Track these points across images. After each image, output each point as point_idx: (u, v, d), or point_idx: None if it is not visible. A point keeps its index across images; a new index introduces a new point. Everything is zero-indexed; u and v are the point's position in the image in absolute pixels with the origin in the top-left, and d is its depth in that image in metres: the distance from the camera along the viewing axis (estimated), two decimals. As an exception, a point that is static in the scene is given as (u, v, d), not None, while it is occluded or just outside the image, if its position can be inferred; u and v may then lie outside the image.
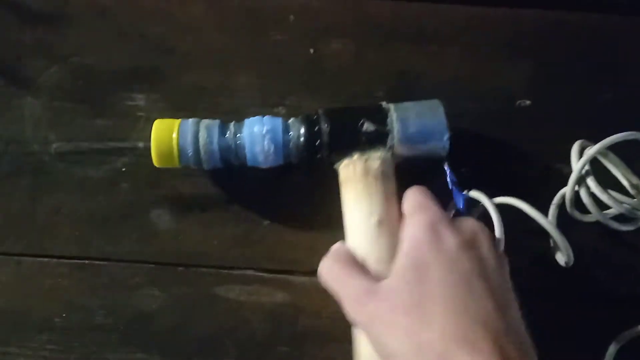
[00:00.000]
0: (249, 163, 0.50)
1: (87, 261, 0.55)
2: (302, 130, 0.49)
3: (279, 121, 0.50)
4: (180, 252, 0.55)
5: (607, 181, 0.53)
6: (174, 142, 0.48)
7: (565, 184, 0.53)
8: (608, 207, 0.52)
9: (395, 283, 0.42)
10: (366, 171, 0.48)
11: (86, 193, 0.55)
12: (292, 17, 0.59)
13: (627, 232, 0.53)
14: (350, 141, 0.48)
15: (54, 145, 0.55)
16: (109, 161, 0.56)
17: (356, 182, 0.48)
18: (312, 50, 0.58)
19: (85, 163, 0.56)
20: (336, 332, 0.53)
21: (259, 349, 0.54)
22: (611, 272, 0.55)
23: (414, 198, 0.47)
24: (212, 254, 0.55)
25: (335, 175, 0.50)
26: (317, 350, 0.54)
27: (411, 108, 0.49)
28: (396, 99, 0.52)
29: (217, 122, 0.50)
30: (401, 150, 0.49)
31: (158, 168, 0.51)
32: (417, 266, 0.42)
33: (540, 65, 0.58)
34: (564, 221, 0.53)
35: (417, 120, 0.49)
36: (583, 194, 0.51)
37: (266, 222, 0.55)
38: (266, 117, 0.50)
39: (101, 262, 0.54)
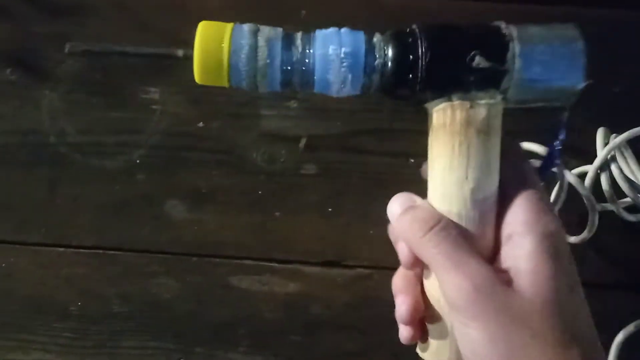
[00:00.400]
0: (317, 90, 0.37)
1: (103, 251, 0.56)
2: (391, 56, 0.35)
3: (361, 40, 0.36)
4: (195, 242, 0.56)
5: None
6: (225, 59, 0.36)
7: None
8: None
9: (540, 307, 0.33)
10: (468, 121, 0.35)
11: (103, 184, 0.56)
12: (303, 11, 0.60)
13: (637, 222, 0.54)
14: (454, 79, 0.35)
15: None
16: (125, 152, 0.57)
17: (452, 134, 0.35)
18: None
19: (101, 154, 0.57)
20: (347, 321, 0.55)
21: (271, 338, 0.55)
22: (620, 261, 0.55)
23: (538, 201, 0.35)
24: (226, 244, 0.56)
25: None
26: (328, 339, 0.55)
27: (540, 37, 0.36)
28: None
29: (279, 33, 0.37)
30: (517, 95, 0.36)
31: (173, 159, 0.52)
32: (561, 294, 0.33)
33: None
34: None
35: (547, 58, 0.35)
36: (603, 179, 0.52)
37: (278, 213, 0.56)
38: (345, 32, 0.37)
39: (117, 252, 0.56)
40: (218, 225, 0.56)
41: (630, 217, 0.53)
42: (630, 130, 0.52)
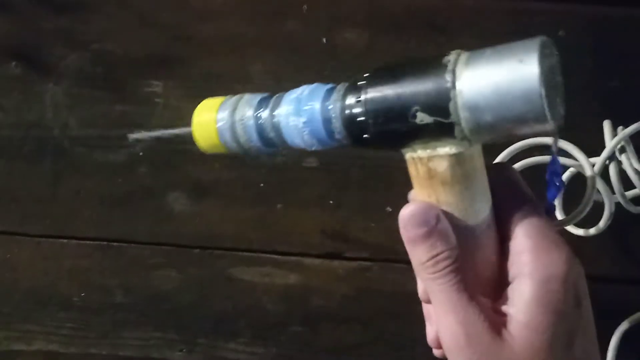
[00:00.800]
0: (295, 147, 0.39)
1: (105, 242, 0.56)
2: (343, 123, 0.35)
3: (317, 108, 0.36)
4: (197, 234, 0.56)
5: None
6: (216, 139, 0.40)
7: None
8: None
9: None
10: (430, 174, 0.33)
11: (105, 176, 0.57)
12: (305, 6, 0.60)
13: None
14: (404, 134, 0.33)
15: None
16: (128, 145, 0.57)
17: (421, 186, 0.34)
18: (324, 40, 0.60)
19: (104, 147, 0.57)
20: (347, 313, 0.55)
21: (272, 329, 0.55)
22: (623, 253, 0.56)
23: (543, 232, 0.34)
24: (228, 237, 0.56)
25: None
26: (328, 331, 0.55)
27: (488, 75, 0.30)
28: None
29: (254, 105, 0.39)
30: (478, 140, 0.32)
31: (175, 152, 0.53)
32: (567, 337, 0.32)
33: (560, 44, 0.59)
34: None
35: (497, 101, 0.30)
36: (612, 170, 0.52)
37: (279, 206, 0.56)
38: (304, 98, 0.37)
39: (120, 244, 0.56)
40: (220, 218, 0.57)
41: (638, 210, 0.53)
42: (638, 123, 0.52)
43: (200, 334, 0.55)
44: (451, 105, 0.31)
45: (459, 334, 0.32)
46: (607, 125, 0.55)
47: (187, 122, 0.42)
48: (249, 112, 0.39)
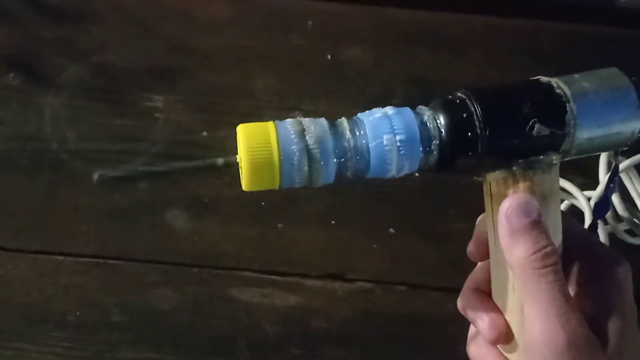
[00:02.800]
0: (370, 176, 0.35)
1: (103, 260, 0.55)
2: (448, 135, 0.33)
3: (414, 124, 0.33)
4: (196, 252, 0.55)
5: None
6: (276, 168, 0.33)
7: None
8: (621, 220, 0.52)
9: None
10: (532, 189, 0.33)
11: (104, 191, 0.56)
12: (310, 22, 0.59)
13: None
14: (515, 149, 0.33)
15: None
16: (127, 160, 0.56)
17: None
18: (329, 57, 0.59)
19: (103, 162, 0.56)
20: (348, 335, 0.54)
21: (272, 351, 0.54)
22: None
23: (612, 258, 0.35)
24: (227, 255, 0.55)
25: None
26: (328, 353, 0.54)
27: (593, 93, 0.34)
28: (413, 105, 0.52)
29: (326, 127, 0.34)
30: (577, 153, 0.35)
31: (177, 169, 0.52)
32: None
33: (556, 74, 0.59)
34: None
35: (604, 114, 0.34)
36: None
37: (280, 225, 0.55)
38: (394, 115, 0.34)
39: (117, 261, 0.55)
40: (220, 236, 0.55)
41: (633, 240, 0.53)
42: (634, 157, 0.52)
43: (197, 354, 0.54)
44: (567, 117, 0.33)
45: (560, 338, 0.31)
46: (603, 158, 0.54)
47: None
48: (325, 134, 0.33)
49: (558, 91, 0.33)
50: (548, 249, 0.32)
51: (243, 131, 0.34)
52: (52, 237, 0.55)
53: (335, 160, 0.33)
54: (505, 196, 0.34)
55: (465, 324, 0.38)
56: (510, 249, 0.33)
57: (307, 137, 0.33)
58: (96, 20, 0.60)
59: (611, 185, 0.39)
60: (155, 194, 0.56)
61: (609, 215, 0.52)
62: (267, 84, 0.58)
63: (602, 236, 0.52)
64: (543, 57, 0.59)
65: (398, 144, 0.33)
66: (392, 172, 0.34)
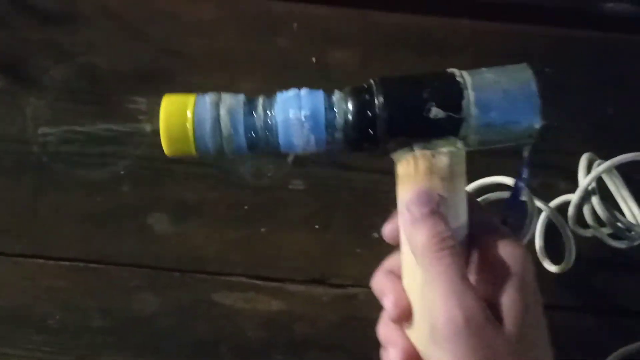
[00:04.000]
0: (283, 150, 0.38)
1: (84, 263, 0.55)
2: (351, 114, 0.36)
3: (320, 101, 0.37)
4: (179, 256, 0.55)
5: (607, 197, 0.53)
6: (190, 133, 0.37)
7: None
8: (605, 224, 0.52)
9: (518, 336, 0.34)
10: (430, 170, 0.36)
11: (86, 195, 0.55)
12: (295, 25, 0.59)
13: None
14: (413, 130, 0.36)
15: (40, 130, 0.54)
16: (110, 163, 0.56)
17: (417, 182, 0.36)
18: (314, 60, 0.58)
19: (86, 164, 0.56)
20: (332, 340, 0.53)
21: (255, 357, 0.54)
22: (607, 285, 0.55)
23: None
24: (210, 260, 0.55)
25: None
26: (312, 359, 0.53)
27: (494, 83, 0.36)
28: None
29: (241, 101, 0.38)
30: (477, 139, 0.37)
31: (158, 171, 0.51)
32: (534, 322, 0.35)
33: (543, 79, 0.58)
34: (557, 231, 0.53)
35: (502, 103, 0.36)
36: (586, 210, 0.51)
37: (263, 229, 0.55)
38: (304, 94, 0.37)
39: (99, 265, 0.55)
40: (203, 240, 0.55)
41: (616, 244, 0.52)
42: (613, 159, 0.51)
43: (180, 359, 0.53)
44: (464, 103, 0.35)
45: (458, 317, 0.32)
46: (583, 161, 0.54)
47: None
48: (238, 107, 0.37)
49: (459, 79, 0.36)
50: (445, 234, 0.34)
51: (165, 100, 0.38)
52: (34, 240, 0.55)
53: (244, 130, 0.37)
54: (407, 176, 0.36)
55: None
56: (411, 236, 0.36)
57: (220, 108, 0.37)
58: (82, 22, 0.59)
59: (519, 183, 0.40)
60: (138, 197, 0.56)
61: (590, 218, 0.52)
62: (252, 86, 0.58)
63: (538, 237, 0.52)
64: (531, 61, 0.59)
65: (303, 119, 0.36)
66: (300, 146, 0.37)
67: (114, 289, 0.54)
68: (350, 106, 0.37)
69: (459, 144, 0.36)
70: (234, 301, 0.54)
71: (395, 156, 0.37)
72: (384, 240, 0.39)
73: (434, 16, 0.59)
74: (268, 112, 0.37)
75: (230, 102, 0.38)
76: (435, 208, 0.35)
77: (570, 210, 0.52)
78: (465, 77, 0.36)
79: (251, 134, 0.37)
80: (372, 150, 0.38)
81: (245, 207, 0.55)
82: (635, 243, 0.52)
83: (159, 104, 0.56)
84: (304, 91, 0.38)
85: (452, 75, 0.37)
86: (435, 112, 0.36)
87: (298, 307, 0.54)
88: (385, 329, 0.39)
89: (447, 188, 0.36)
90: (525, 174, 0.39)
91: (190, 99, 0.38)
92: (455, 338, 0.33)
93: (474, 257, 0.37)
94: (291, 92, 0.38)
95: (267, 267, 0.54)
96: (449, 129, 0.36)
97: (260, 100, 0.38)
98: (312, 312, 0.54)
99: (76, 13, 0.59)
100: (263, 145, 0.38)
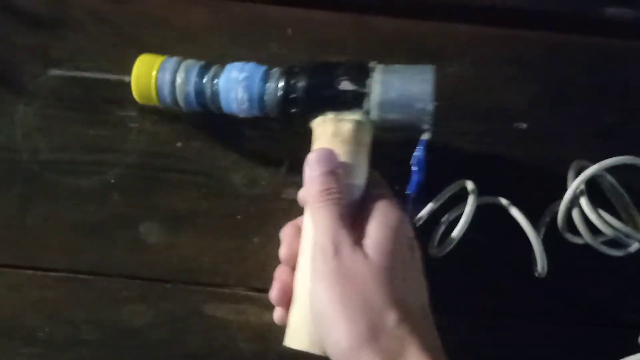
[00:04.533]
0: (224, 110, 0.49)
1: (74, 274, 0.54)
2: (280, 83, 0.47)
3: (259, 70, 0.48)
4: (170, 267, 0.54)
5: (605, 205, 0.52)
6: (153, 79, 0.49)
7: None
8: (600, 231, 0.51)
9: (377, 257, 0.42)
10: (336, 132, 0.45)
11: (76, 204, 0.55)
12: (289, 30, 0.58)
13: (618, 257, 0.52)
14: (325, 99, 0.46)
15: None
16: (100, 172, 0.55)
17: (325, 143, 0.46)
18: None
19: (76, 173, 0.55)
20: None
21: (247, 369, 0.53)
22: (600, 295, 0.55)
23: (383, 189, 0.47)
24: (202, 271, 0.54)
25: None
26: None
27: (398, 71, 0.46)
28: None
29: (199, 63, 0.50)
30: (378, 114, 0.45)
31: (150, 180, 0.51)
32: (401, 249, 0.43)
33: (541, 85, 0.57)
34: (554, 240, 0.53)
35: (401, 85, 0.45)
36: (575, 214, 0.51)
37: (256, 239, 0.54)
38: (249, 64, 0.49)
39: (88, 276, 0.54)
40: (195, 250, 0.54)
41: (612, 252, 0.51)
42: (602, 162, 0.51)
43: (171, 372, 0.53)
44: (369, 81, 0.45)
45: (329, 248, 0.41)
46: (573, 168, 0.53)
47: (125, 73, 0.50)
48: (193, 71, 0.49)
49: (370, 65, 0.46)
50: (334, 189, 0.43)
51: (138, 60, 0.50)
52: (23, 250, 0.54)
53: (195, 91, 0.49)
54: (317, 139, 0.46)
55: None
56: (307, 188, 0.44)
57: (179, 71, 0.49)
58: (73, 28, 0.58)
59: (415, 166, 0.46)
60: (129, 206, 0.55)
61: (584, 229, 0.51)
62: (245, 93, 0.57)
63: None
64: (528, 66, 0.58)
65: (241, 78, 0.48)
66: (236, 107, 0.48)
67: (104, 300, 0.54)
68: (281, 78, 0.47)
69: (362, 116, 0.45)
70: (226, 313, 0.53)
71: (313, 123, 0.47)
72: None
73: (430, 22, 0.59)
74: (217, 77, 0.48)
75: (187, 67, 0.49)
76: (331, 168, 0.44)
77: (559, 215, 0.51)
78: (377, 65, 0.46)
79: (200, 94, 0.49)
80: (296, 115, 0.48)
81: (238, 217, 0.55)
82: (632, 250, 0.51)
83: (150, 111, 0.56)
84: (250, 63, 0.49)
85: (366, 62, 0.47)
86: (345, 84, 0.46)
87: (291, 318, 0.53)
88: (278, 271, 0.48)
89: (347, 150, 0.45)
90: (420, 154, 0.46)
91: (157, 62, 0.50)
92: (325, 262, 0.41)
93: (360, 211, 0.44)
94: (239, 62, 0.49)
95: (260, 278, 0.54)
96: (355, 102, 0.45)
97: (213, 68, 0.49)
98: (306, 324, 0.53)
99: (66, 18, 0.58)
100: (209, 103, 0.49)
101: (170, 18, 0.59)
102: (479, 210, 0.51)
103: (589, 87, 0.58)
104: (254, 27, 0.58)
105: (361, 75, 0.46)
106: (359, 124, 0.46)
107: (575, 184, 0.50)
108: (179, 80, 0.49)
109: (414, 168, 0.46)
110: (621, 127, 0.57)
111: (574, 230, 0.52)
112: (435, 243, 0.52)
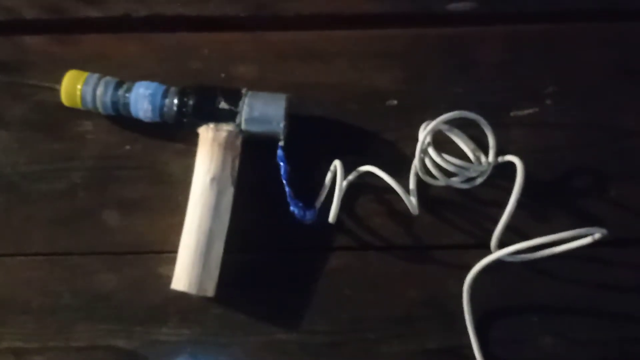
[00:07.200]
0: (133, 116, 0.66)
1: (54, 256, 0.68)
2: (176, 100, 0.65)
3: (161, 88, 0.66)
4: (129, 242, 0.69)
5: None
6: (78, 91, 0.66)
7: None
8: (454, 175, 0.66)
9: None
10: (215, 138, 0.64)
11: (50, 202, 0.69)
12: (206, 50, 0.73)
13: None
14: (208, 114, 0.65)
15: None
16: (67, 176, 0.70)
17: (206, 146, 0.64)
18: (223, 75, 0.73)
19: (48, 178, 0.70)
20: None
21: (196, 314, 0.67)
22: (461, 223, 0.70)
23: None
24: (154, 242, 0.68)
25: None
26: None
27: (261, 97, 0.65)
28: (294, 106, 0.67)
29: (114, 82, 0.66)
30: (246, 127, 0.64)
31: (106, 178, 0.67)
32: None
33: (404, 70, 0.73)
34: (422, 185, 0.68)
35: (262, 107, 0.64)
36: (427, 161, 0.66)
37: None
38: (153, 83, 0.66)
39: (65, 256, 0.68)
40: (147, 227, 0.69)
41: (462, 185, 0.67)
42: (440, 117, 0.65)
43: (137, 323, 0.66)
44: (240, 103, 0.65)
45: None
46: (422, 126, 0.68)
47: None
48: (110, 85, 0.66)
49: (242, 91, 0.66)
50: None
51: (66, 75, 0.67)
52: (11, 242, 0.68)
53: (111, 101, 0.66)
54: (201, 143, 0.65)
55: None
56: None
57: (99, 85, 0.66)
58: (33, 68, 0.72)
59: (280, 161, 0.65)
60: (92, 200, 0.69)
61: (437, 172, 0.66)
62: (175, 102, 0.72)
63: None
64: (393, 57, 0.73)
65: (147, 94, 0.65)
66: (142, 114, 0.66)
67: (79, 273, 0.68)
68: (176, 95, 0.65)
69: (235, 127, 0.64)
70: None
71: (199, 130, 0.65)
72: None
73: (314, 31, 0.74)
74: (129, 91, 0.66)
75: (106, 82, 0.66)
76: None
77: (416, 164, 0.66)
78: (248, 92, 0.65)
79: (115, 103, 0.66)
80: (187, 125, 0.66)
81: (179, 198, 0.68)
82: (477, 183, 0.67)
83: (101, 124, 0.71)
84: (154, 83, 0.66)
85: (239, 88, 0.66)
86: (223, 104, 0.65)
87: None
88: None
89: (222, 152, 0.64)
90: (280, 152, 0.65)
91: (82, 77, 0.66)
92: None
93: None
94: (146, 81, 0.66)
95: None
96: (230, 117, 0.64)
97: (126, 83, 0.66)
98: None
99: (27, 61, 0.73)
100: (123, 110, 0.66)
101: (108, 52, 0.73)
102: (359, 177, 0.67)
103: (443, 68, 0.74)
104: (177, 50, 0.74)
105: (235, 98, 0.65)
106: (231, 133, 0.64)
107: (421, 137, 0.65)
108: (98, 92, 0.65)
109: (280, 163, 0.65)
110: (467, 97, 0.72)
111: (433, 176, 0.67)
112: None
